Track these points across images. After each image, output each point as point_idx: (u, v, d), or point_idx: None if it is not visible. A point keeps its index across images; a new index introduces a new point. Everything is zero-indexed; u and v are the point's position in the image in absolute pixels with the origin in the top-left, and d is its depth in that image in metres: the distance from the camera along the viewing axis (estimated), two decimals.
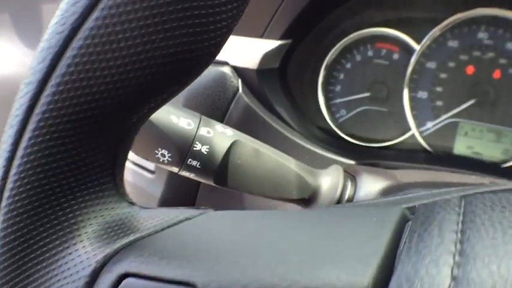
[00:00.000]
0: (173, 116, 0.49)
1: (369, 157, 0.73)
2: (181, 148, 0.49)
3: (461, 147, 0.83)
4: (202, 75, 0.33)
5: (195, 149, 0.49)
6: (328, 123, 0.80)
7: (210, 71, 0.69)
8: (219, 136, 0.50)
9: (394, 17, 0.77)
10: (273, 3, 0.66)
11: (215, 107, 0.70)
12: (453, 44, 0.80)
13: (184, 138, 0.49)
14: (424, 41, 0.76)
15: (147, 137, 0.49)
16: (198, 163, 0.50)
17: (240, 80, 0.70)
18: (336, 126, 0.81)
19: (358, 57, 0.80)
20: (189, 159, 0.49)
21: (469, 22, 0.78)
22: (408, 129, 0.80)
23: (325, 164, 0.70)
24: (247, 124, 0.70)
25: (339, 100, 0.81)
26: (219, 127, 0.51)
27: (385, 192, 0.53)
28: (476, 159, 0.83)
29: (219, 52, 0.31)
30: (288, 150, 0.72)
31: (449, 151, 0.82)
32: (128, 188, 0.34)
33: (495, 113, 0.81)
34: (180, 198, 0.76)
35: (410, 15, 0.77)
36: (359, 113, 0.81)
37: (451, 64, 0.80)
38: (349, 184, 0.55)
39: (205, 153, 0.49)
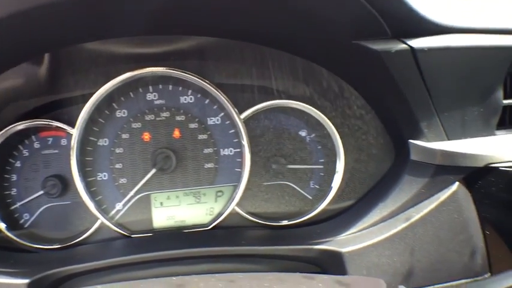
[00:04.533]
0: None
1: (56, 263, 0.64)
2: None
3: (160, 219, 0.74)
4: None
5: None
6: (5, 233, 0.71)
7: None
8: None
9: (43, 104, 0.70)
10: None
11: None
12: (121, 114, 0.72)
13: None
14: (79, 120, 0.69)
15: None
16: None
17: None
18: (23, 235, 0.71)
19: (26, 152, 0.72)
20: None
21: (133, 86, 0.72)
22: (96, 218, 0.71)
23: None
24: None
25: (18, 204, 0.73)
26: None
27: None
28: (182, 227, 0.75)
29: None
30: None
31: (150, 228, 0.74)
32: None
33: (186, 174, 0.74)
34: None
35: (58, 97, 0.70)
36: (44, 212, 0.73)
37: (125, 136, 0.72)
38: None
39: None
